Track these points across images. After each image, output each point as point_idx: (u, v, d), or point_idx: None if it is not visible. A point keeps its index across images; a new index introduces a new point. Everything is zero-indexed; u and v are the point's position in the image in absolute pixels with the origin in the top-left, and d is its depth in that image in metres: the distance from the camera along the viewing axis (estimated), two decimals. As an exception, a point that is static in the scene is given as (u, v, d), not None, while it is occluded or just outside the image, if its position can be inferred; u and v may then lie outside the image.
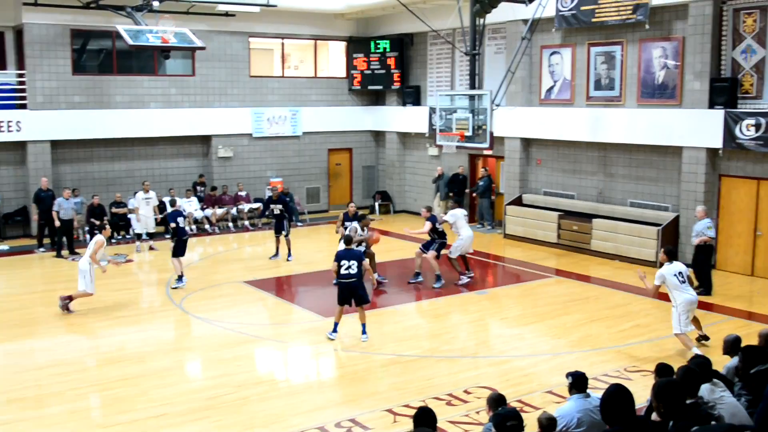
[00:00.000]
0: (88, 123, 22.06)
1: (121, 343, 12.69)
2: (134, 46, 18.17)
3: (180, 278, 16.39)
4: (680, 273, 11.74)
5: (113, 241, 21.23)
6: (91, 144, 22.47)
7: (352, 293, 12.66)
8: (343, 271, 12.58)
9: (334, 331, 12.77)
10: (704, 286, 15.51)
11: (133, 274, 18.27)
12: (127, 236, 21.77)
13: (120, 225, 21.72)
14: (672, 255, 11.96)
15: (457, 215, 16.75)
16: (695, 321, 12.16)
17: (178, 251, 16.42)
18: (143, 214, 20.29)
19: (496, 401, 6.99)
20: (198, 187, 23.68)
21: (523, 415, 6.41)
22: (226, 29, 24.06)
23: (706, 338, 12.32)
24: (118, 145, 22.93)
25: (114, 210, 21.53)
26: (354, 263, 12.55)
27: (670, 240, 17.48)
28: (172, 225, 16.33)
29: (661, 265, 12.06)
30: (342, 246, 13.69)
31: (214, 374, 11.29)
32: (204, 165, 24.49)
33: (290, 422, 9.52)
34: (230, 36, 24.38)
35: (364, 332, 12.77)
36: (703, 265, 15.62)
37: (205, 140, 24.43)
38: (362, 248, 15.31)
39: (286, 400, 10.23)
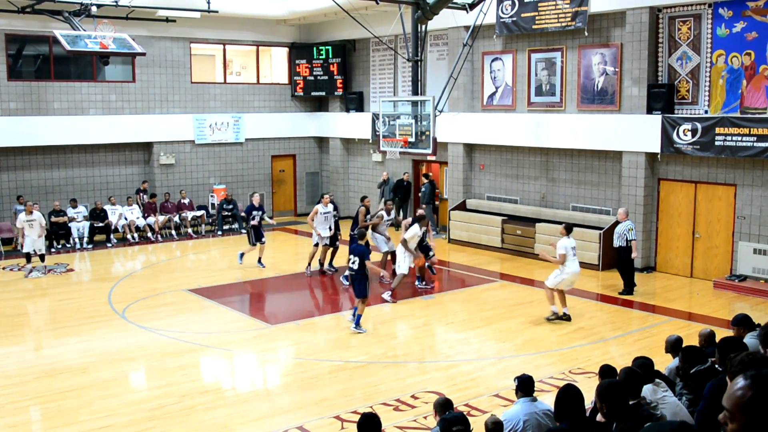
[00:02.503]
0: (26, 130, 21.61)
1: (62, 355, 12.42)
2: (72, 52, 17.84)
3: (259, 260, 18.61)
4: (573, 247, 14.02)
5: (52, 250, 20.84)
6: (28, 151, 22.03)
7: (354, 285, 13.75)
8: (350, 265, 13.76)
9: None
10: (628, 287, 15.96)
11: (74, 284, 17.94)
12: (67, 245, 21.38)
13: (60, 234, 21.31)
14: (569, 230, 14.17)
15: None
16: (563, 297, 14.06)
17: (250, 240, 18.57)
18: (29, 236, 18.01)
19: (443, 406, 7.03)
20: (142, 194, 23.33)
21: (470, 419, 6.47)
22: (167, 35, 23.79)
23: (569, 318, 13.99)
24: (57, 152, 22.52)
25: (53, 219, 21.11)
26: (356, 259, 13.52)
27: (611, 244, 17.72)
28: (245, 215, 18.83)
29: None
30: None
31: (159, 384, 11.14)
32: (146, 172, 24.18)
33: (237, 431, 9.44)
34: (171, 42, 24.13)
35: (357, 323, 13.46)
36: (627, 266, 15.94)
37: (147, 147, 24.12)
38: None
39: (232, 408, 10.15)
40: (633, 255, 15.78)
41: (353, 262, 13.56)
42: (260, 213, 18.31)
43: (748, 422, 2.77)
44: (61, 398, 10.55)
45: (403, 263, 15.92)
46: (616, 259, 16.52)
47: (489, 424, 6.60)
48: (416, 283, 16.84)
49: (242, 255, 18.74)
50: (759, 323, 8.66)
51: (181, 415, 9.89)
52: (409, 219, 17.24)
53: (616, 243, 16.10)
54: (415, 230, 15.94)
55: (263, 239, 18.59)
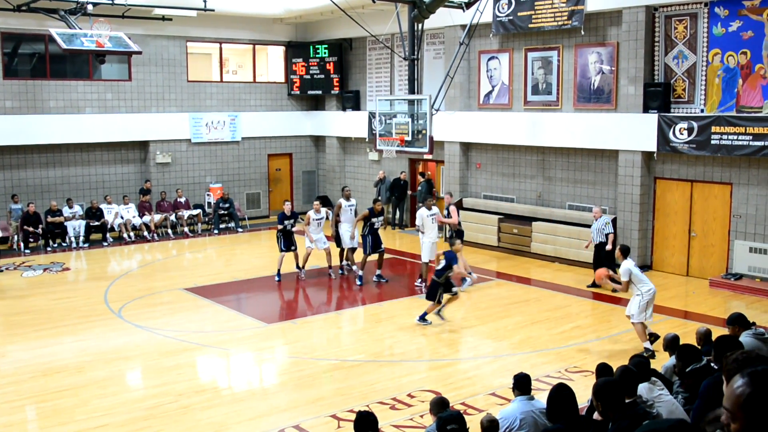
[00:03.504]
0: (21, 128, 21.56)
1: (58, 354, 12.40)
2: (68, 50, 17.73)
3: (297, 266, 17.72)
4: (636, 266, 12.40)
5: (48, 249, 20.82)
6: (24, 150, 21.98)
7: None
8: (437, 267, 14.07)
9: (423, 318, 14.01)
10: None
11: (70, 282, 17.91)
12: (63, 244, 21.33)
13: (56, 233, 21.27)
14: (627, 252, 12.52)
15: (422, 215, 16.59)
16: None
17: (281, 246, 17.64)
18: None
19: (439, 405, 7.01)
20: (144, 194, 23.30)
21: (466, 417, 6.45)
22: (163, 33, 23.75)
23: (656, 337, 12.23)
24: (53, 151, 22.47)
25: (49, 219, 21.09)
26: (445, 262, 13.85)
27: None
28: (279, 226, 17.65)
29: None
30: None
31: (156, 383, 11.13)
32: (142, 171, 24.15)
33: (233, 430, 9.44)
34: (167, 40, 24.09)
35: (422, 317, 14.01)
36: (610, 263, 15.71)
37: (143, 146, 24.09)
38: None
39: (229, 407, 10.14)
40: (608, 247, 15.84)
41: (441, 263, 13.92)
42: (291, 221, 17.68)
43: (749, 420, 2.75)
44: (57, 397, 10.53)
45: (424, 252, 16.54)
46: (594, 255, 16.51)
47: (484, 423, 6.60)
48: (417, 282, 16.87)
49: (280, 272, 17.66)
50: (754, 322, 8.67)
51: (177, 414, 9.88)
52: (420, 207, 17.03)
53: (596, 239, 16.28)
54: (422, 214, 16.45)
55: (293, 247, 17.68)
